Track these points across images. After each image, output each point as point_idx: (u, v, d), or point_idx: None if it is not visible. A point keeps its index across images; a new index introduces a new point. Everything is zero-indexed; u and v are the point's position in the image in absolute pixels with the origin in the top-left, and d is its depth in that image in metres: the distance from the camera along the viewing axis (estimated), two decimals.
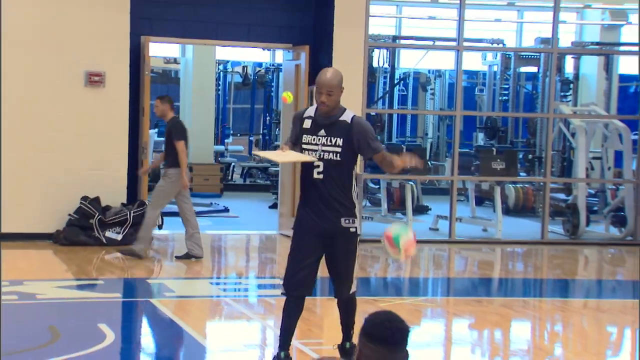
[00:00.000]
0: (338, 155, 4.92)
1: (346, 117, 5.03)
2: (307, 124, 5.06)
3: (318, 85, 5.01)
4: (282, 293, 5.13)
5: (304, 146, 5.01)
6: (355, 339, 5.28)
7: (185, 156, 8.90)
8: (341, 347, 5.32)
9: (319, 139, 4.97)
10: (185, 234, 9.14)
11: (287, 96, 5.60)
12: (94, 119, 10.08)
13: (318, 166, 4.93)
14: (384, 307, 7.07)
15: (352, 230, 4.97)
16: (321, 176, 4.93)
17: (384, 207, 12.28)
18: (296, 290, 5.04)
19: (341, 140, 4.94)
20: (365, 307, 7.29)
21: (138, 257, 8.90)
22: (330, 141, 4.95)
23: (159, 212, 9.29)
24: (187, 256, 9.06)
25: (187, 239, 9.11)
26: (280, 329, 5.13)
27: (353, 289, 5.11)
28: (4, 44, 9.56)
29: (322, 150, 4.95)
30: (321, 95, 4.96)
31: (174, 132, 8.88)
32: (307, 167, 4.99)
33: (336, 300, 5.26)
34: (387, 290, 8.62)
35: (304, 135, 5.03)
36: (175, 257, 9.26)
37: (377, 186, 12.87)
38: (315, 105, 5.17)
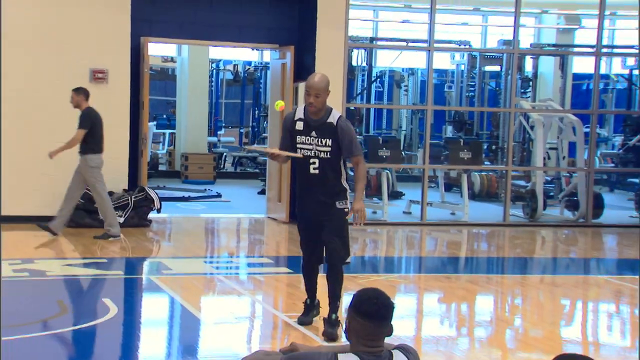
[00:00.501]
0: (329, 153, 5.18)
1: (332, 119, 5.20)
2: (300, 125, 5.23)
3: (307, 88, 5.15)
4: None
5: (299, 146, 5.20)
6: (338, 315, 5.31)
7: (77, 143, 8.53)
8: (327, 319, 5.34)
9: (312, 140, 5.18)
10: (60, 209, 8.72)
11: (278, 105, 5.72)
12: (99, 112, 9.99)
13: (314, 163, 5.18)
14: (363, 284, 7.10)
15: (345, 209, 5.28)
16: (317, 171, 5.19)
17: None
18: (310, 274, 5.57)
19: (330, 140, 5.16)
20: (345, 284, 7.32)
21: (115, 237, 8.71)
22: (321, 142, 5.18)
23: (104, 193, 8.95)
24: (105, 236, 8.72)
25: (59, 212, 8.71)
26: (305, 287, 5.63)
27: (348, 260, 5.37)
28: (16, 44, 9.50)
29: (317, 150, 5.18)
30: (310, 96, 5.12)
31: (80, 120, 8.62)
32: (303, 164, 5.22)
33: (327, 271, 5.41)
34: (365, 267, 8.64)
35: (298, 136, 5.22)
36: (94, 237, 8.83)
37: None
38: (303, 106, 5.30)
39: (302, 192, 5.36)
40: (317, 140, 5.18)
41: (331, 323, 5.30)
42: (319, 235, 5.32)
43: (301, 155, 5.20)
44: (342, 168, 5.31)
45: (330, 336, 5.22)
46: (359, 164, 5.29)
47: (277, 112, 11.18)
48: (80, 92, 8.76)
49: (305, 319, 5.59)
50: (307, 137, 5.18)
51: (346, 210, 5.28)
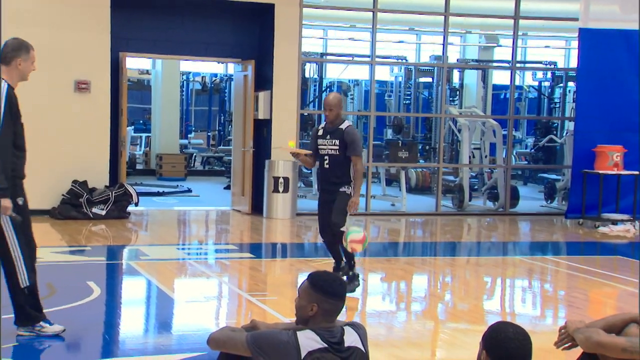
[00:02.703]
0: (337, 150, 5.80)
1: (343, 126, 5.84)
2: (321, 132, 5.93)
3: (324, 103, 5.94)
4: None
5: (319, 147, 5.90)
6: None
7: None
8: (347, 273, 5.84)
9: (327, 141, 5.86)
10: None
11: (291, 144, 6.44)
12: (82, 118, 9.88)
13: (326, 159, 5.84)
14: (316, 267, 7.12)
15: (347, 192, 5.82)
16: (328, 166, 5.86)
17: (315, 187, 12.31)
18: (327, 237, 6.02)
19: (338, 141, 5.80)
20: (299, 266, 7.34)
21: None
22: (333, 142, 5.83)
23: None
24: None
25: None
26: (332, 256, 6.11)
27: (343, 229, 5.74)
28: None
29: (329, 149, 5.83)
30: (325, 110, 5.88)
31: None
32: (320, 160, 5.91)
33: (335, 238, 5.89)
34: (318, 252, 8.66)
35: (319, 140, 5.91)
36: None
37: (309, 171, 12.88)
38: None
39: (320, 179, 6.11)
40: (330, 142, 5.82)
41: (349, 278, 5.76)
42: (329, 210, 5.85)
43: (310, 152, 5.96)
44: (349, 166, 5.82)
45: (349, 290, 5.54)
46: (357, 164, 5.80)
47: (241, 121, 11.12)
48: None
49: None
50: (324, 140, 5.86)
51: (347, 192, 5.81)
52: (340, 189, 5.82)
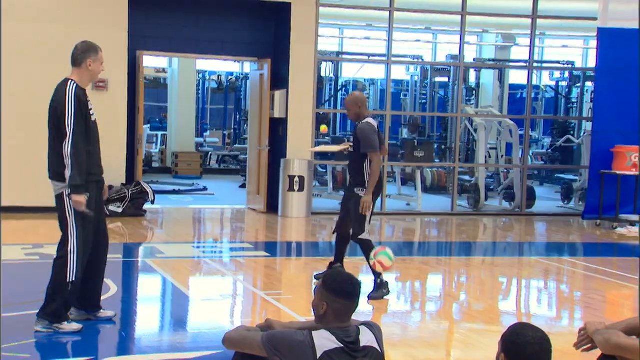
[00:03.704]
0: (353, 147, 5.89)
1: (359, 123, 5.83)
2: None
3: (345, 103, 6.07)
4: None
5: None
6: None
7: None
8: (375, 281, 5.76)
9: (352, 140, 5.96)
10: None
11: (323, 128, 6.36)
12: (99, 116, 9.83)
13: (349, 156, 5.98)
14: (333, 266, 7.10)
15: (361, 194, 5.76)
16: (348, 162, 6.04)
17: (330, 187, 12.31)
18: (337, 235, 6.19)
19: (353, 138, 5.88)
20: (315, 265, 7.34)
21: None
22: (352, 140, 5.93)
23: None
24: None
25: None
26: (335, 252, 6.23)
27: (362, 236, 5.76)
28: (32, 59, 9.39)
29: (351, 146, 5.96)
30: (347, 110, 5.92)
31: None
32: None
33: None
34: (333, 252, 8.65)
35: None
36: None
37: (325, 170, 12.89)
38: None
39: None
40: (352, 139, 5.93)
41: (377, 285, 5.70)
42: (345, 211, 5.98)
43: (348, 146, 6.18)
44: (362, 164, 5.76)
45: (374, 298, 5.62)
46: (372, 161, 5.70)
47: (257, 120, 11.14)
48: None
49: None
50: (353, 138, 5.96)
51: (362, 195, 5.75)
52: (355, 190, 5.79)
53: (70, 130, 4.48)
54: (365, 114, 5.83)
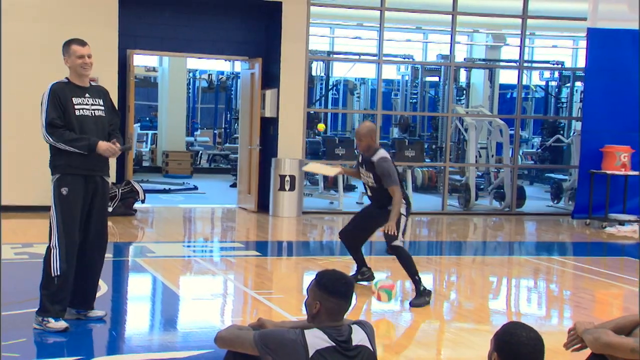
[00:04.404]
0: (372, 182, 5.81)
1: (375, 158, 5.71)
2: (360, 159, 5.93)
3: (355, 133, 5.91)
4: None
5: (360, 173, 5.95)
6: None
7: None
8: (418, 287, 5.68)
9: (363, 171, 5.87)
10: None
11: (321, 127, 6.12)
12: None
13: (367, 187, 5.94)
14: (323, 265, 7.12)
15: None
16: (370, 193, 5.96)
17: (321, 186, 12.31)
18: (348, 241, 6.21)
19: (371, 174, 5.76)
20: (305, 264, 7.35)
21: None
22: (367, 174, 5.82)
23: None
24: None
25: None
26: (354, 259, 6.29)
27: (397, 243, 5.69)
28: (16, 58, 9.32)
29: (366, 179, 5.85)
30: (359, 141, 5.78)
31: None
32: (364, 184, 5.99)
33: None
34: (323, 250, 8.67)
35: (359, 167, 5.95)
36: None
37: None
38: None
39: (369, 198, 6.08)
40: (366, 173, 5.82)
41: (421, 293, 5.66)
42: (370, 221, 5.98)
43: (338, 170, 6.32)
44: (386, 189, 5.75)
45: (416, 306, 5.57)
46: (394, 194, 5.65)
47: (247, 119, 11.13)
48: None
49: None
50: (362, 169, 5.89)
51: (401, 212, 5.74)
52: (388, 208, 5.73)
53: (43, 121, 4.58)
54: (375, 145, 5.77)
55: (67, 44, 4.77)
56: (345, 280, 2.94)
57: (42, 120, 4.60)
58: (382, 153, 5.70)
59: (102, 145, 4.60)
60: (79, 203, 4.65)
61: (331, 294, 2.88)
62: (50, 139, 4.58)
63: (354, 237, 6.14)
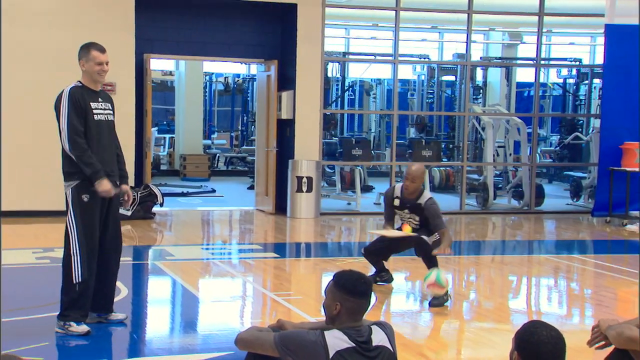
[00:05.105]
0: (415, 223, 5.76)
1: (422, 200, 5.64)
2: (397, 202, 5.75)
3: (407, 174, 5.64)
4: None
5: (397, 215, 5.82)
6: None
7: None
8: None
9: (404, 213, 5.75)
10: None
11: (406, 229, 5.86)
12: None
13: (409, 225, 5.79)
14: (341, 266, 7.11)
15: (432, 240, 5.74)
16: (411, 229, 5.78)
17: (338, 187, 12.31)
18: (371, 257, 6.20)
19: (418, 217, 5.69)
20: (324, 266, 7.35)
21: None
22: (412, 217, 5.72)
23: None
24: None
25: None
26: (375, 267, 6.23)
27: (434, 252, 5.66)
28: (33, 65, 9.41)
29: (408, 221, 5.77)
30: (407, 180, 5.61)
31: None
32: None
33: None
34: (341, 252, 8.67)
35: (396, 210, 5.80)
36: None
37: (332, 170, 12.89)
38: (400, 185, 5.80)
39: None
40: (409, 215, 5.73)
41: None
42: (395, 246, 5.95)
43: (414, 234, 5.78)
44: (429, 230, 5.74)
45: (435, 305, 5.55)
46: (445, 234, 5.62)
47: (264, 121, 11.15)
48: None
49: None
50: (402, 212, 5.75)
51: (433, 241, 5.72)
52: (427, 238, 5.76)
53: (64, 128, 4.57)
54: (422, 187, 5.72)
55: (87, 48, 4.75)
56: (364, 280, 2.94)
57: (62, 124, 4.58)
58: (428, 194, 5.67)
59: (104, 186, 4.55)
60: (99, 209, 4.68)
61: (351, 294, 2.87)
62: (67, 145, 4.55)
63: (378, 254, 6.12)
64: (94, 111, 4.69)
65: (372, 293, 2.98)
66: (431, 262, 5.74)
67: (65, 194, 4.66)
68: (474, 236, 9.96)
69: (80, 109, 4.60)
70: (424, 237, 5.70)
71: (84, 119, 4.61)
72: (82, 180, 4.61)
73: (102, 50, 4.76)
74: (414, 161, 12.21)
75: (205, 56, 11.56)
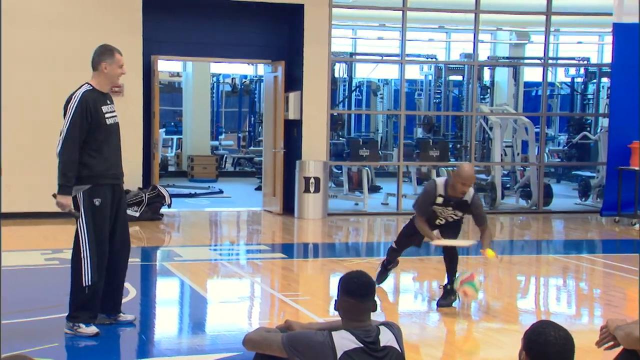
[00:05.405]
0: (458, 220, 5.74)
1: (467, 197, 5.54)
2: (439, 200, 5.60)
3: (461, 178, 5.42)
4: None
5: (434, 210, 5.63)
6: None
7: None
8: (445, 287, 5.64)
9: (445, 209, 5.61)
10: None
11: (490, 254, 5.74)
12: None
13: (441, 220, 5.70)
14: (349, 267, 7.11)
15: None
16: (441, 221, 5.71)
17: (345, 187, 12.30)
18: (396, 253, 6.22)
19: (461, 213, 5.66)
20: (332, 266, 7.35)
21: None
22: (453, 212, 5.63)
23: None
24: None
25: None
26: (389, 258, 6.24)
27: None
28: (41, 66, 9.45)
29: (448, 216, 5.67)
30: (464, 186, 5.44)
31: None
32: (431, 219, 5.67)
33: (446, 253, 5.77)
34: (349, 252, 8.66)
35: (435, 206, 5.61)
36: None
37: (340, 171, 12.89)
38: (443, 183, 5.59)
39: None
40: (451, 210, 5.63)
41: (448, 292, 5.62)
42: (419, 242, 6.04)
43: (470, 244, 6.12)
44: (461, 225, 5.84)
45: (443, 306, 5.56)
46: (486, 230, 5.67)
47: (271, 122, 11.16)
48: None
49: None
50: (443, 208, 5.61)
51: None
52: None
53: (64, 131, 4.57)
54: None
55: (111, 51, 4.74)
56: (357, 280, 2.92)
57: (64, 127, 4.57)
58: (472, 189, 5.58)
59: (66, 200, 4.55)
60: (109, 212, 4.70)
61: (345, 294, 2.90)
62: (59, 148, 4.56)
63: (404, 248, 6.16)
64: (106, 115, 4.70)
65: (372, 293, 2.95)
66: (453, 265, 5.74)
67: (76, 197, 4.65)
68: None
69: (91, 116, 4.60)
70: (453, 240, 5.80)
71: (97, 123, 4.61)
72: (93, 184, 4.64)
73: (121, 53, 4.80)
74: (421, 161, 12.21)
75: (212, 57, 11.59)
